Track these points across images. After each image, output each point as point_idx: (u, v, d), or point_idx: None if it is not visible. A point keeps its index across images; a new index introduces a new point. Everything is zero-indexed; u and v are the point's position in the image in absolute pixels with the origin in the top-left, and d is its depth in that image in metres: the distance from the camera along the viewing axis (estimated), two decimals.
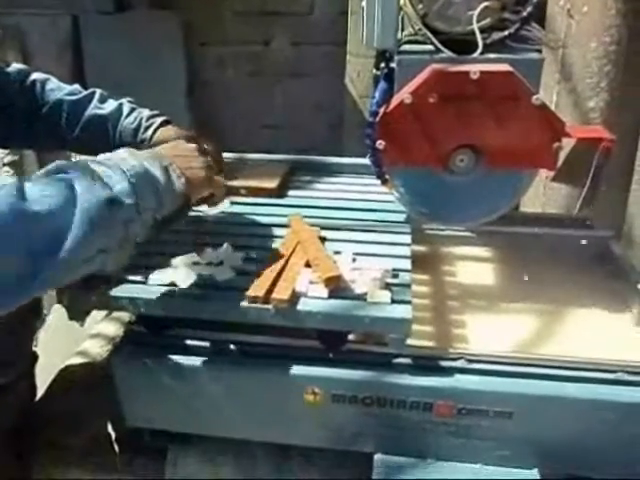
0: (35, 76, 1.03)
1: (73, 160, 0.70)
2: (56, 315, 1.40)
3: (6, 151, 2.17)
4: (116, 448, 1.14)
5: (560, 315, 0.94)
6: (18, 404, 0.96)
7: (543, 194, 1.65)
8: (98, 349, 1.28)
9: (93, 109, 1.02)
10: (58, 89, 1.04)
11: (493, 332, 0.89)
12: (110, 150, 0.93)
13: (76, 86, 1.06)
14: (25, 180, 0.61)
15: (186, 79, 2.42)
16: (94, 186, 0.64)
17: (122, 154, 0.72)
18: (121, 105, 1.03)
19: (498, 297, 0.99)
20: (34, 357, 1.04)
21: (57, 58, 2.36)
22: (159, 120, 1.00)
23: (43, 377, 1.11)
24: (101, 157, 0.71)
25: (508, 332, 0.89)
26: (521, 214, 1.21)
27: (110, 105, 1.02)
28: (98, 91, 1.05)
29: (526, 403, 0.75)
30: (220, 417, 0.85)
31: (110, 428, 1.14)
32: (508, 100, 0.80)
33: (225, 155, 1.26)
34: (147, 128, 0.99)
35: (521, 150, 0.83)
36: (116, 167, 0.68)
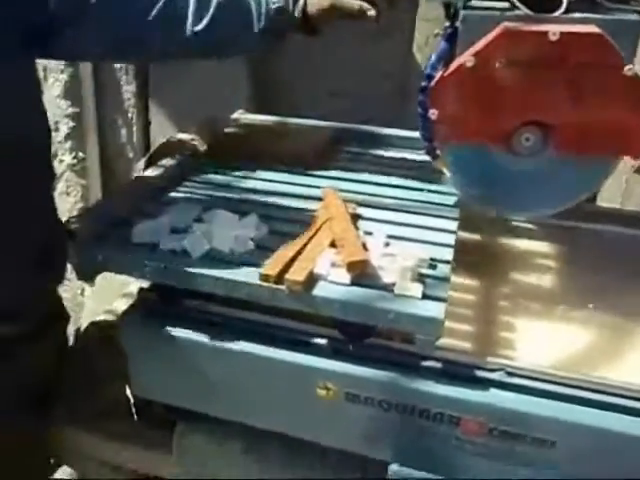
0: None
1: None
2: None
3: (68, 102, 2.03)
4: (134, 414, 1.11)
5: (622, 331, 0.81)
6: (39, 363, 0.93)
7: (624, 187, 1.48)
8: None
9: None
10: None
11: (542, 341, 0.78)
12: (251, 48, 0.86)
13: None
14: None
15: None
16: None
17: None
18: None
19: (555, 301, 0.87)
20: (62, 317, 0.97)
21: None
22: None
23: None
24: None
25: (559, 343, 0.77)
26: (595, 208, 1.06)
27: None
28: None
29: (574, 433, 0.64)
30: (226, 399, 0.79)
31: (129, 393, 1.12)
32: (593, 69, 0.67)
33: (265, 118, 1.20)
34: None
35: (603, 132, 0.70)
36: None
